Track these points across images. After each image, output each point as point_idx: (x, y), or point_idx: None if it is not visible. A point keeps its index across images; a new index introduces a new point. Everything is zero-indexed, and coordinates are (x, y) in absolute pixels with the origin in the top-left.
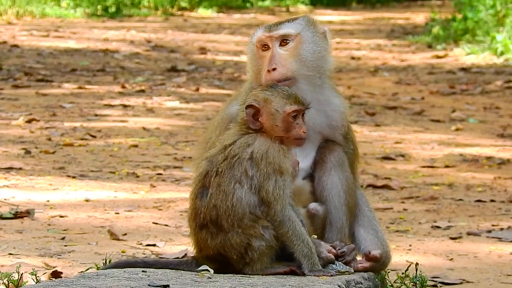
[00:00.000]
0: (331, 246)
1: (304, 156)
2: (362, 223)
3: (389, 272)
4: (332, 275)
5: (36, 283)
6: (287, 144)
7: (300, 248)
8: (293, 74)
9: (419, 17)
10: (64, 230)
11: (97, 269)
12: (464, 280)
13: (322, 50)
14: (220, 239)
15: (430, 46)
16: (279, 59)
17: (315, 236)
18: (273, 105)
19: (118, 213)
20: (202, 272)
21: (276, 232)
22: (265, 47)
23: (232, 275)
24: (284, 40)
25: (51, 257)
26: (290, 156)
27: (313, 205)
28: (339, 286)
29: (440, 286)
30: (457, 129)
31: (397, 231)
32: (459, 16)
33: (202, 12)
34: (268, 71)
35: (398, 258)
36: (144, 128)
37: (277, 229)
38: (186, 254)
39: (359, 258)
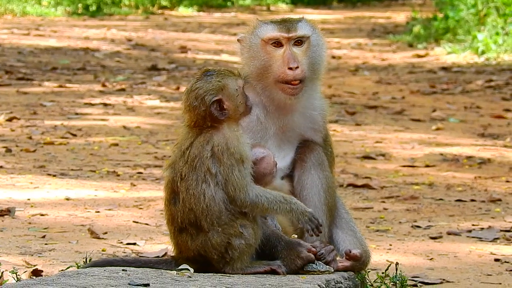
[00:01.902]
0: (311, 245)
1: (282, 156)
2: (339, 225)
3: (369, 271)
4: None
5: (16, 281)
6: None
7: (282, 207)
8: (305, 76)
9: (400, 16)
10: (45, 228)
11: (78, 268)
12: (444, 279)
13: (324, 54)
14: (200, 240)
15: (411, 45)
16: (297, 58)
17: (295, 236)
18: (229, 87)
19: (98, 212)
20: (182, 271)
21: (255, 214)
22: (276, 44)
23: (213, 274)
24: (298, 41)
25: (32, 255)
26: (248, 142)
27: None
28: (319, 285)
29: (420, 286)
30: (437, 129)
31: (377, 230)
32: (440, 15)
33: (183, 10)
34: (291, 68)
35: (378, 258)
36: (124, 127)
37: (253, 211)
38: (166, 253)
39: (338, 258)
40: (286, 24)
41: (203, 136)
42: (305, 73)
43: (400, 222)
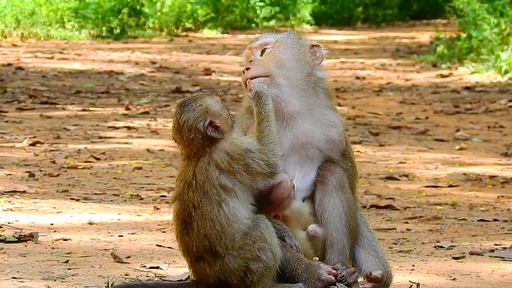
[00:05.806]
0: (332, 267)
1: (302, 175)
2: (362, 245)
3: None
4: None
5: None
6: None
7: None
8: (270, 73)
9: (424, 36)
10: (68, 253)
11: None
12: None
13: (301, 53)
14: (218, 266)
15: (434, 65)
16: (254, 62)
17: (317, 258)
18: (212, 106)
19: (121, 236)
20: None
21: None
22: (250, 60)
23: None
24: (264, 49)
25: (55, 280)
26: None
27: (312, 227)
28: None
29: None
30: (461, 148)
31: (400, 251)
32: (464, 35)
33: (207, 32)
34: (243, 72)
35: (401, 278)
36: (148, 150)
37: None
38: (189, 276)
39: (360, 279)
40: (255, 38)
41: (202, 161)
42: (259, 71)
43: (423, 243)
